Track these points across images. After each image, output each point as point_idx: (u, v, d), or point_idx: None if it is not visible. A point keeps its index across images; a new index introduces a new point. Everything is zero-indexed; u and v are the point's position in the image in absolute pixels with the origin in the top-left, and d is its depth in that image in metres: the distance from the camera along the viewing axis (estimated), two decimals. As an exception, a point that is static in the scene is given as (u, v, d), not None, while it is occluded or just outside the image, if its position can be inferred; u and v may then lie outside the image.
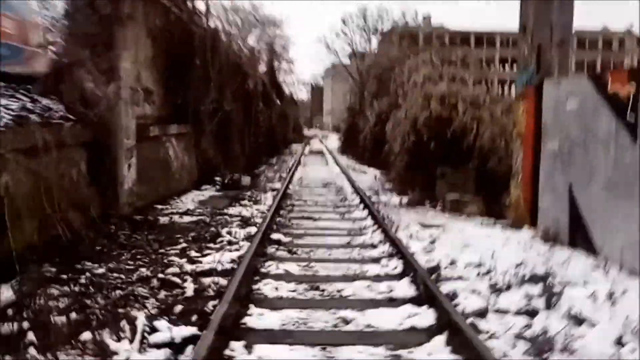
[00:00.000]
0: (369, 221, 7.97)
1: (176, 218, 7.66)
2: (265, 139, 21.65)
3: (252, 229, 6.97)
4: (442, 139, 10.65)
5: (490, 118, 10.55)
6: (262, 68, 40.15)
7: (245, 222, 7.56)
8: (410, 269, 5.25)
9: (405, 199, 10.76)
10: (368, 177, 15.95)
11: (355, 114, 28.80)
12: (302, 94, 71.75)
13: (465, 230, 7.24)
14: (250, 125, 18.45)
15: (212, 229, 6.98)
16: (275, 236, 6.77)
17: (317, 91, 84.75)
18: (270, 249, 6.24)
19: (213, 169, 12.97)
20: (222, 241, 6.39)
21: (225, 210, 8.45)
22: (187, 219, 7.67)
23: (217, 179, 12.09)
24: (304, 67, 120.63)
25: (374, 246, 6.55)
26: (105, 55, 7.02)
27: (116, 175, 7.35)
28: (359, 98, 28.44)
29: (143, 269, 5.04)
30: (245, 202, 9.55)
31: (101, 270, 4.84)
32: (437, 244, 6.61)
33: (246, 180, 12.38)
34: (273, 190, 11.52)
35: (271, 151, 23.42)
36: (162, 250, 5.81)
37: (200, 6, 14.44)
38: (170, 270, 4.98)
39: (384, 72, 23.88)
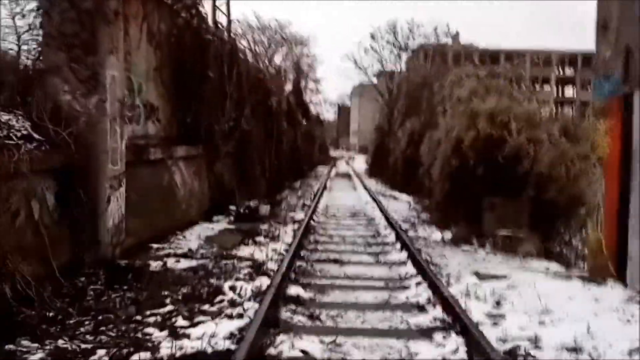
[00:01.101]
0: (410, 268, 6.38)
1: (171, 262, 6.21)
2: (288, 161, 20.28)
3: (264, 281, 5.46)
4: (491, 164, 9.00)
5: (548, 139, 8.86)
6: (288, 87, 39.53)
7: (256, 269, 6.06)
8: (479, 352, 3.67)
9: (447, 234, 9.11)
10: (401, 205, 14.32)
11: (384, 134, 27.28)
12: (329, 114, 70.94)
13: (536, 285, 5.56)
14: (273, 147, 17.12)
15: (213, 280, 5.50)
16: (292, 290, 5.26)
17: (343, 111, 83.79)
18: (285, 313, 4.71)
19: (228, 196, 11.59)
20: (222, 300, 4.90)
21: (235, 251, 6.97)
22: (184, 264, 6.22)
23: (232, 207, 10.68)
24: (331, 87, 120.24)
25: (421, 308, 4.96)
26: (86, 60, 5.73)
27: (96, 210, 5.98)
28: (388, 117, 26.94)
29: (101, 351, 3.58)
30: (261, 238, 8.07)
31: (37, 357, 3.39)
32: (506, 307, 4.98)
33: (265, 209, 10.93)
34: (294, 222, 10.02)
35: (295, 174, 22.03)
36: (138, 317, 4.35)
37: (219, 16, 13.34)
38: (137, 358, 3.50)
39: (416, 89, 22.39)
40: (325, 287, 5.59)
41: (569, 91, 68.27)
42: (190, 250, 6.94)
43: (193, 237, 7.78)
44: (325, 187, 19.02)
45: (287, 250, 7.03)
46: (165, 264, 6.10)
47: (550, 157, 8.59)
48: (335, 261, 6.81)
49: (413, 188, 17.98)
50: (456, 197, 9.76)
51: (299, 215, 10.99)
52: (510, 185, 8.88)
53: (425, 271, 5.93)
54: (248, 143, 13.92)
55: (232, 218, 10.00)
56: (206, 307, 4.72)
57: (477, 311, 4.80)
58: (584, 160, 8.81)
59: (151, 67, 9.02)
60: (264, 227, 9.20)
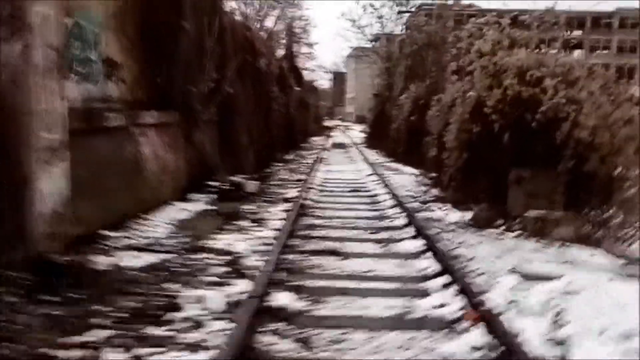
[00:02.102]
0: (429, 261, 4.99)
1: (128, 258, 4.80)
2: (281, 130, 18.72)
3: (241, 286, 4.08)
4: (521, 130, 7.55)
5: (591, 100, 7.40)
6: (281, 52, 37.50)
7: (234, 266, 4.66)
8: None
9: (466, 214, 7.72)
10: (405, 178, 12.91)
11: (384, 101, 25.60)
12: (324, 82, 68.67)
13: (602, 289, 4.20)
14: (262, 114, 15.55)
15: (174, 286, 4.09)
16: (278, 301, 3.88)
17: (339, 79, 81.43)
18: (266, 338, 3.34)
19: (210, 171, 10.12)
20: (181, 319, 3.51)
21: (211, 241, 5.53)
22: (144, 259, 4.80)
23: (214, 184, 9.23)
24: (326, 54, 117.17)
25: (451, 328, 3.59)
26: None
27: (23, 192, 4.54)
28: (389, 82, 25.21)
29: None
30: (245, 222, 6.62)
31: None
32: (569, 326, 3.61)
33: (252, 185, 9.49)
34: (286, 200, 8.59)
35: (288, 145, 20.50)
36: (51, 352, 2.96)
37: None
38: None
39: (420, 49, 20.66)
40: (323, 292, 4.21)
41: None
42: (154, 240, 5.50)
43: (162, 222, 6.34)
44: (321, 160, 17.55)
45: (275, 238, 5.63)
46: (114, 260, 4.68)
47: (594, 121, 7.14)
48: (335, 253, 5.40)
49: (418, 159, 16.53)
50: (476, 169, 8.33)
51: (292, 192, 9.56)
52: (542, 155, 7.46)
53: (449, 268, 4.57)
54: (233, 110, 12.37)
55: (213, 197, 8.55)
56: (155, 331, 3.33)
57: (532, 332, 3.45)
58: (629, 125, 7.40)
59: (111, 13, 7.43)
60: (250, 207, 7.77)
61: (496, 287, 4.30)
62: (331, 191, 10.29)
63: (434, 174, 13.95)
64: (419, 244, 5.64)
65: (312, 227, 6.69)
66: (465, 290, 4.00)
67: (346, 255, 5.31)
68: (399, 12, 26.04)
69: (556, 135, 7.12)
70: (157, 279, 4.28)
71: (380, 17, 26.37)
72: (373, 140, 27.05)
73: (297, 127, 24.92)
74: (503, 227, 7.09)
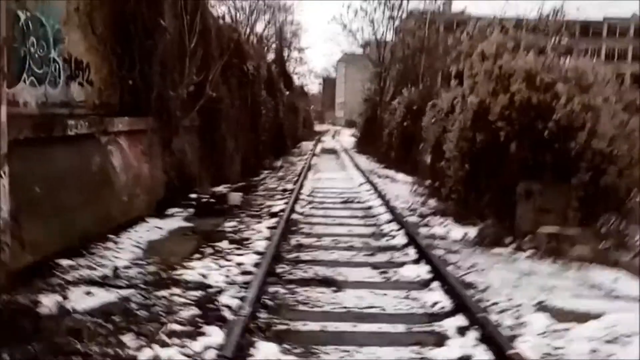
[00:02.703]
0: (439, 295, 4.27)
1: (78, 297, 3.98)
2: (269, 135, 17.96)
3: (213, 337, 3.31)
4: (530, 138, 6.89)
5: (607, 107, 6.76)
6: (271, 57, 36.87)
7: (207, 307, 3.88)
8: None
9: (470, 231, 7.02)
10: (400, 187, 12.20)
11: (375, 105, 24.97)
12: (314, 87, 68.09)
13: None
14: (250, 119, 14.79)
15: (129, 340, 3.29)
16: (257, 356, 3.11)
17: (329, 84, 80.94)
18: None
19: (190, 181, 9.35)
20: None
21: (181, 272, 4.73)
22: (97, 299, 3.98)
23: (195, 196, 8.44)
24: (317, 59, 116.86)
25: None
26: None
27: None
28: (380, 87, 24.59)
29: None
30: (224, 244, 5.83)
31: None
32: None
33: (235, 197, 8.72)
34: (272, 215, 7.83)
35: (277, 151, 19.75)
36: None
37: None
38: None
39: (413, 54, 20.07)
40: (313, 340, 3.46)
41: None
42: (115, 270, 4.70)
43: (129, 245, 5.53)
44: (310, 167, 16.80)
45: (258, 265, 4.87)
46: (64, 300, 3.88)
47: (610, 131, 6.50)
48: (326, 282, 4.65)
49: (411, 166, 15.88)
50: (479, 181, 7.65)
51: (279, 204, 8.80)
52: (556, 166, 6.80)
53: (463, 303, 3.85)
54: (218, 115, 11.61)
55: (191, 211, 7.77)
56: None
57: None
58: (648, 134, 6.78)
59: (77, 8, 6.64)
60: (232, 224, 6.98)
61: (524, 330, 3.58)
62: (321, 202, 9.54)
63: (429, 182, 13.34)
64: (423, 271, 4.92)
65: (301, 248, 5.93)
66: (490, 338, 3.28)
67: (340, 286, 4.57)
68: (390, 18, 25.49)
69: (570, 146, 6.46)
70: (109, 329, 3.47)
71: (371, 21, 25.76)
72: (364, 145, 26.40)
73: (287, 132, 24.19)
74: (513, 246, 6.40)
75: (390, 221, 7.43)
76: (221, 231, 6.45)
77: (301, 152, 24.91)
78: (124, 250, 5.27)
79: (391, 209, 8.16)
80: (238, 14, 38.89)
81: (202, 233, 6.26)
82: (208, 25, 11.30)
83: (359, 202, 9.57)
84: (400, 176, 14.83)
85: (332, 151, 27.45)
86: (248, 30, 37.87)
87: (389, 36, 25.94)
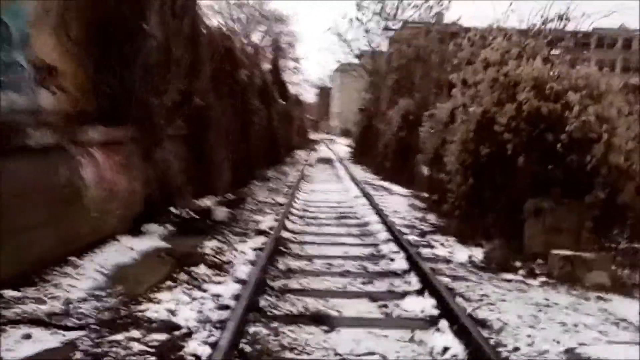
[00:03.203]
0: (449, 338, 3.66)
1: (15, 343, 3.34)
2: (262, 145, 17.35)
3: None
4: (540, 151, 6.35)
5: (623, 118, 6.23)
6: (266, 66, 36.45)
7: (168, 356, 3.25)
8: None
9: (476, 253, 6.44)
10: (396, 200, 11.62)
11: (370, 115, 24.46)
12: (309, 96, 67.67)
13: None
14: (242, 128, 14.19)
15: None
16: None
17: (324, 93, 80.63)
18: None
19: (174, 194, 8.71)
20: None
21: (146, 306, 4.07)
22: (38, 345, 3.34)
23: (177, 211, 7.81)
24: (312, 68, 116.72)
25: None
26: None
27: None
28: (375, 97, 24.11)
29: None
30: (201, 269, 5.19)
31: None
32: None
33: (221, 212, 8.12)
34: (260, 233, 7.22)
35: (270, 161, 19.14)
36: None
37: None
38: None
39: (409, 63, 19.60)
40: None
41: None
42: (67, 303, 4.05)
43: (91, 271, 4.89)
44: (304, 177, 16.22)
45: (237, 298, 4.25)
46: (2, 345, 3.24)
47: (627, 144, 5.96)
48: (317, 319, 4.04)
49: (408, 178, 15.34)
50: (484, 197, 7.09)
51: (268, 219, 8.21)
52: (566, 181, 6.25)
53: (481, 351, 3.25)
54: (206, 123, 11.03)
55: (171, 228, 7.14)
56: None
57: None
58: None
59: (48, 9, 6.07)
60: (213, 244, 6.36)
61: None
62: (314, 218, 8.94)
63: (426, 194, 12.79)
64: (428, 304, 4.32)
65: (289, 273, 5.32)
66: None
67: (333, 324, 3.96)
68: (385, 29, 25.10)
69: (585, 160, 5.91)
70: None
71: (367, 30, 25.34)
72: (359, 155, 25.88)
73: (281, 141, 23.59)
74: (523, 271, 5.82)
75: (388, 240, 6.84)
76: (200, 253, 5.82)
77: (295, 162, 24.34)
78: (84, 278, 4.64)
79: (389, 226, 7.57)
80: (235, 25, 38.71)
81: (179, 255, 5.63)
82: (198, 30, 10.75)
83: (354, 218, 8.98)
84: (397, 188, 14.29)
85: (326, 161, 26.90)
86: (244, 40, 37.67)
87: (384, 46, 25.56)
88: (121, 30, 7.39)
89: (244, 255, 5.93)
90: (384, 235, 7.23)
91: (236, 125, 13.80)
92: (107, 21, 7.25)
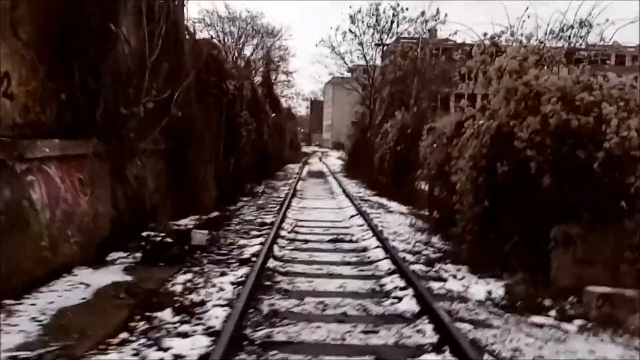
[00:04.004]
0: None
1: None
2: (252, 159, 16.41)
3: None
4: (569, 170, 5.47)
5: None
6: (258, 79, 35.79)
7: None
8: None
9: (495, 288, 5.51)
10: (396, 219, 10.71)
11: (364, 129, 23.65)
12: (301, 109, 67.03)
13: None
14: (229, 142, 13.26)
15: None
16: None
17: (316, 106, 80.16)
18: None
19: (149, 215, 7.73)
20: None
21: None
22: None
23: (151, 234, 6.82)
24: (305, 82, 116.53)
25: None
26: None
27: None
28: (370, 109, 23.34)
29: None
30: (165, 314, 4.19)
31: None
32: None
33: (199, 236, 7.13)
34: (242, 261, 6.25)
35: (260, 175, 18.24)
36: None
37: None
38: None
39: (405, 76, 18.84)
40: None
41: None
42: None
43: (26, 318, 3.89)
44: (295, 193, 15.27)
45: (204, 359, 3.27)
46: None
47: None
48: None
49: (406, 194, 14.46)
50: (501, 221, 6.19)
51: (254, 244, 7.26)
52: (600, 205, 5.37)
53: None
54: (189, 136, 10.11)
55: (141, 255, 6.15)
56: None
57: None
58: None
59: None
60: (186, 277, 5.38)
61: None
62: (305, 241, 7.98)
63: (426, 212, 11.90)
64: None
65: (275, 318, 4.35)
66: None
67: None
68: (377, 45, 24.48)
69: (629, 180, 5.03)
70: None
71: (360, 43, 24.69)
72: (353, 169, 25.01)
73: (272, 155, 22.69)
74: (554, 312, 4.90)
75: (392, 272, 5.89)
76: (168, 291, 4.84)
77: (287, 176, 23.42)
78: (15, 330, 3.64)
79: (391, 253, 6.64)
80: (226, 38, 38.17)
81: (142, 293, 4.65)
82: (180, 36, 9.90)
83: (351, 241, 8.03)
84: (394, 205, 13.39)
85: (319, 174, 26.01)
86: (236, 53, 37.14)
87: (378, 59, 24.91)
88: (85, 32, 6.49)
89: (221, 292, 4.95)
90: (385, 264, 6.28)
91: (223, 138, 12.89)
92: (68, 21, 6.34)
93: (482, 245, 6.44)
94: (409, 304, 4.76)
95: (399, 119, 15.55)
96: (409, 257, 6.75)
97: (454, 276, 5.93)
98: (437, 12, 22.21)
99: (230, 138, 13.34)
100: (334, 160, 41.62)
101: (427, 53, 19.09)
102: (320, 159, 45.38)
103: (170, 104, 8.53)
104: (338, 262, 6.58)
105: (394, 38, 24.27)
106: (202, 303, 4.59)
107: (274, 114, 26.57)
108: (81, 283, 4.93)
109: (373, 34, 24.16)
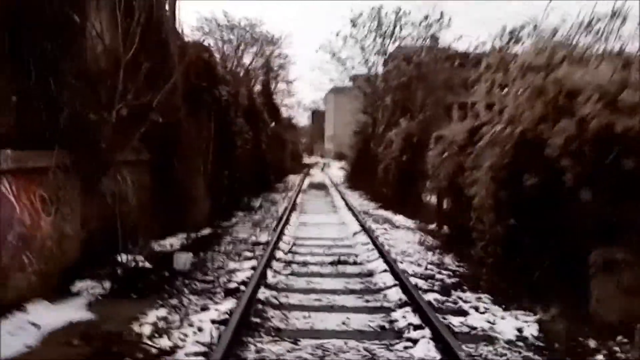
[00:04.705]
0: None
1: None
2: (248, 171, 15.57)
3: None
4: (613, 183, 4.61)
5: None
6: (257, 88, 35.13)
7: None
8: None
9: (525, 325, 4.63)
10: (403, 236, 9.82)
11: (366, 138, 22.81)
12: (303, 119, 66.32)
13: None
14: (224, 152, 12.43)
15: None
16: None
17: (318, 116, 79.55)
18: None
19: (127, 235, 6.87)
20: None
21: None
22: None
23: (128, 258, 5.98)
24: (305, 92, 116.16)
25: None
26: None
27: None
28: (372, 118, 22.52)
29: None
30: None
31: None
32: None
33: (182, 259, 6.28)
34: (229, 292, 5.37)
35: (258, 187, 17.40)
36: None
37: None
38: None
39: (409, 82, 18.05)
40: None
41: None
42: None
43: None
44: (295, 207, 14.41)
45: None
46: None
47: None
48: None
49: (412, 207, 13.59)
50: (529, 242, 5.32)
51: (245, 268, 6.39)
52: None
53: None
54: (176, 146, 9.31)
55: (111, 285, 5.29)
56: None
57: None
58: None
59: None
60: (159, 314, 4.52)
61: None
62: (304, 264, 7.10)
63: (435, 227, 11.04)
64: None
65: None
66: None
67: None
68: (377, 53, 23.71)
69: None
70: None
71: (362, 48, 23.87)
72: (355, 180, 24.13)
73: (270, 166, 21.85)
74: (601, 357, 4.02)
75: (403, 303, 5.02)
76: (134, 334, 3.98)
77: (286, 188, 22.57)
78: None
79: (401, 279, 5.76)
80: (225, 47, 37.62)
81: (100, 338, 3.79)
82: (165, 36, 9.13)
83: (355, 264, 7.15)
84: (400, 219, 12.52)
85: (320, 186, 25.15)
86: (235, 61, 36.56)
87: (381, 64, 24.12)
88: (44, 24, 5.67)
89: (199, 334, 4.08)
90: (395, 293, 5.40)
91: (217, 148, 12.07)
92: (21, 12, 5.54)
93: (506, 270, 5.57)
94: (426, 349, 3.88)
95: (404, 127, 14.72)
96: (422, 283, 5.87)
97: (476, 308, 5.05)
98: (441, 15, 21.37)
99: (224, 148, 12.50)
100: (336, 171, 40.78)
101: (433, 58, 18.34)
102: (322, 170, 44.54)
103: (150, 108, 7.71)
104: (340, 291, 5.70)
105: (397, 43, 23.50)
106: (173, 351, 3.72)
107: (273, 123, 25.83)
108: (31, 324, 4.08)
109: (375, 38, 23.31)
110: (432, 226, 11.09)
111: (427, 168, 12.61)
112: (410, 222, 11.87)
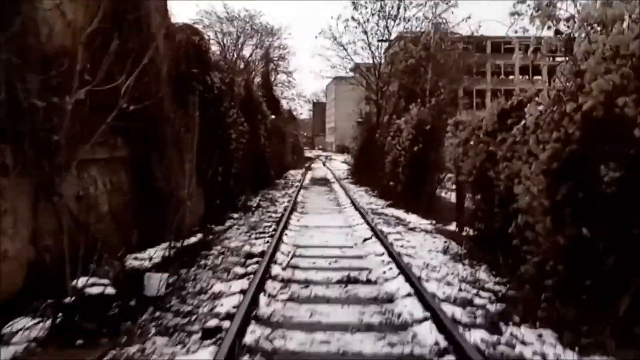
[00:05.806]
0: None
1: None
2: (246, 166, 14.25)
3: None
4: None
5: None
6: (257, 80, 33.84)
7: None
8: None
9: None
10: (423, 242, 8.51)
11: (371, 128, 21.45)
12: (304, 112, 64.94)
13: None
14: (216, 147, 11.11)
15: None
16: None
17: (319, 108, 78.20)
18: None
19: (92, 252, 5.57)
20: None
21: None
22: None
23: (82, 283, 4.69)
24: (306, 84, 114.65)
25: None
26: None
27: None
28: (377, 106, 21.15)
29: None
30: None
31: None
32: None
33: (154, 283, 5.00)
34: (207, 333, 4.09)
35: (257, 184, 16.11)
36: None
37: None
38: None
39: (417, 65, 16.68)
40: None
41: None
42: None
43: None
44: (296, 206, 13.12)
45: None
46: None
47: None
48: None
49: (426, 203, 12.29)
50: (606, 260, 4.02)
51: (233, 291, 5.12)
52: None
53: None
54: (158, 141, 8.03)
55: (57, 321, 4.02)
56: None
57: None
58: None
59: None
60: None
61: None
62: (305, 284, 5.75)
63: (454, 227, 9.77)
64: None
65: None
66: None
67: None
68: (379, 41, 22.29)
69: None
70: None
71: (364, 32, 22.45)
72: (360, 174, 22.79)
73: (270, 161, 20.54)
74: None
75: (442, 351, 3.74)
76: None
77: (287, 184, 21.27)
78: None
79: (433, 309, 4.47)
80: (225, 39, 36.45)
81: None
82: (145, 13, 7.83)
83: (369, 283, 5.83)
84: (414, 219, 11.23)
85: (323, 181, 23.84)
86: (235, 54, 35.45)
87: (384, 48, 22.71)
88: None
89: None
90: (427, 331, 4.12)
91: (209, 143, 10.77)
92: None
93: (573, 296, 4.28)
94: None
95: (414, 114, 13.37)
96: (459, 313, 4.57)
97: (543, 356, 3.75)
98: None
99: (218, 142, 11.20)
100: (339, 164, 39.50)
101: (443, 39, 16.99)
102: (324, 164, 43.24)
103: (119, 94, 6.39)
104: (353, 326, 4.38)
105: (401, 25, 22.05)
106: None
107: (273, 116, 24.49)
108: None
109: (378, 21, 21.87)
110: (451, 227, 9.82)
111: (443, 159, 11.33)
112: (425, 223, 10.58)
